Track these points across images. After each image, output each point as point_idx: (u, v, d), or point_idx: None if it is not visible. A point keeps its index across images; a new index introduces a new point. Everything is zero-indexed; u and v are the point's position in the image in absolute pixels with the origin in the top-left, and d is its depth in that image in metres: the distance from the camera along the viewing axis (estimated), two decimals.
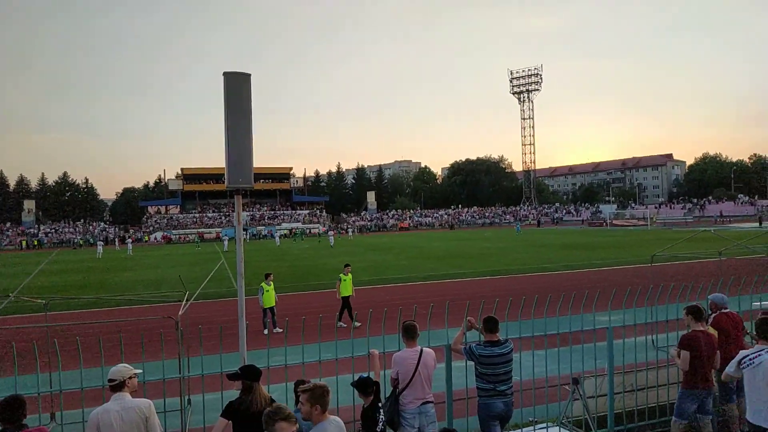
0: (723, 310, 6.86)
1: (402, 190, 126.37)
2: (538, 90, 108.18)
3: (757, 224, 56.85)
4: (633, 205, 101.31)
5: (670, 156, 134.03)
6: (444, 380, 6.23)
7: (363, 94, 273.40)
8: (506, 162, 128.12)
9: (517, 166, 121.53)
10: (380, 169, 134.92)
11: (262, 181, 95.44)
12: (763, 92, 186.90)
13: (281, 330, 13.76)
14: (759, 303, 9.24)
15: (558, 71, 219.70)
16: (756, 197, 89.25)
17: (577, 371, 7.04)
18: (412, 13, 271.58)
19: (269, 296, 14.21)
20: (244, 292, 5.94)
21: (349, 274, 14.95)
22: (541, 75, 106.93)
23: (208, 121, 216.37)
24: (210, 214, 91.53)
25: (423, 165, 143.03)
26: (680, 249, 21.26)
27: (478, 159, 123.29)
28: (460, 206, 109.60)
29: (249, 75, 5.69)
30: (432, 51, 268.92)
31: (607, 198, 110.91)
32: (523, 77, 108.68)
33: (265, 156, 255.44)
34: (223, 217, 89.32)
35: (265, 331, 13.53)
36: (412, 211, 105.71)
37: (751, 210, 78.85)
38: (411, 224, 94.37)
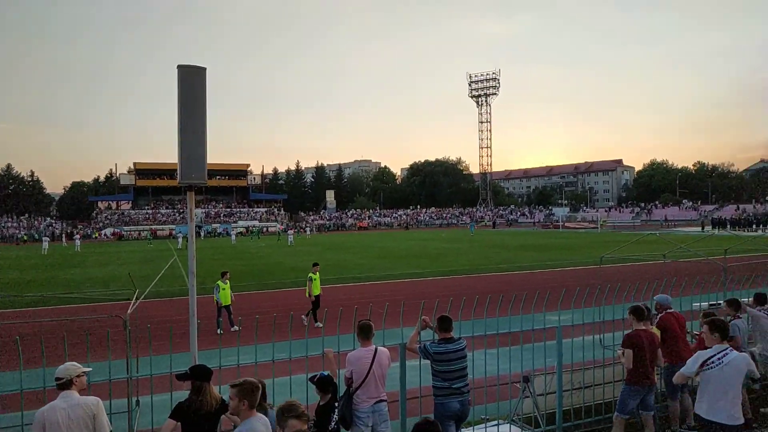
0: (668, 310, 7.17)
1: (361, 189, 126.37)
2: (495, 94, 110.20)
3: (699, 228, 59.53)
4: (584, 208, 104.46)
5: (620, 161, 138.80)
6: (398, 379, 6.27)
7: (324, 92, 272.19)
8: (464, 164, 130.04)
9: (475, 168, 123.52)
10: (340, 168, 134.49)
11: (218, 177, 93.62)
12: (706, 103, 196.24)
13: (239, 328, 13.56)
14: (699, 304, 9.67)
15: (515, 77, 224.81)
16: (699, 203, 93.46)
17: (527, 369, 7.23)
18: (374, 13, 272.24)
19: (225, 294, 13.99)
20: (196, 290, 5.82)
21: (318, 273, 14.92)
22: (498, 80, 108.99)
23: (162, 115, 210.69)
24: (163, 211, 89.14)
25: (383, 165, 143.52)
26: (627, 251, 22.09)
27: (437, 160, 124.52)
28: (418, 207, 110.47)
29: (204, 69, 5.58)
30: (394, 52, 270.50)
31: (560, 201, 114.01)
32: (481, 81, 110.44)
33: (222, 152, 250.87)
34: (177, 214, 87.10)
35: (219, 331, 13.28)
36: (371, 210, 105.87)
37: (694, 215, 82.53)
38: (370, 224, 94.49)
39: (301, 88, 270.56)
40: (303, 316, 14.17)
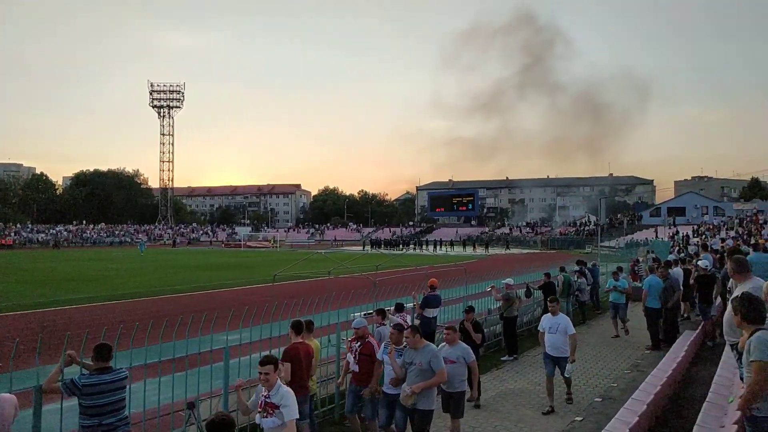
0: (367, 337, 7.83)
1: (7, 198, 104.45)
2: (179, 107, 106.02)
3: (361, 248, 68.27)
4: (266, 228, 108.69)
5: (298, 186, 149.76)
6: (30, 428, 5.26)
7: None
8: (143, 177, 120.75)
9: (155, 183, 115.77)
10: None
11: None
12: (370, 140, 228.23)
13: None
14: (355, 315, 10.92)
15: (202, 92, 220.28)
16: (361, 225, 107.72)
17: (193, 395, 6.95)
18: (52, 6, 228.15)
19: None
20: None
21: None
22: (183, 93, 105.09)
23: None
24: None
25: (38, 171, 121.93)
26: (299, 269, 23.74)
27: (110, 171, 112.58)
28: (84, 222, 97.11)
29: None
30: (62, 44, 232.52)
31: (243, 221, 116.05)
32: (164, 92, 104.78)
33: None
34: None
35: None
36: (19, 225, 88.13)
37: (358, 236, 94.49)
38: (18, 241, 78.40)
39: None
40: None
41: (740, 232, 35.33)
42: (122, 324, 7.75)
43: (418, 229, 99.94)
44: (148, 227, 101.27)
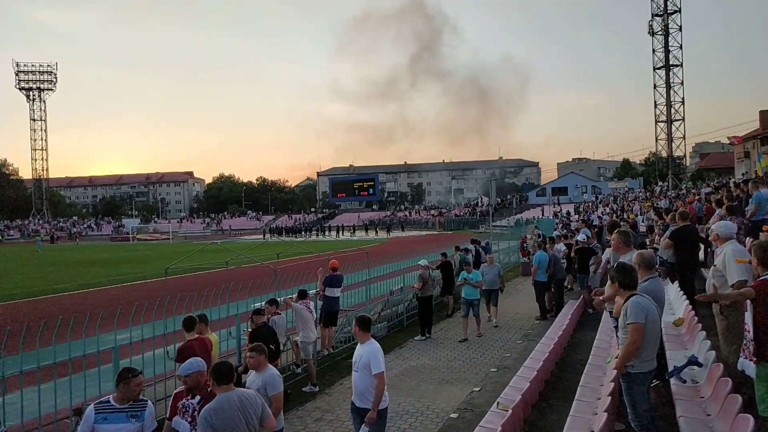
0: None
1: None
2: (51, 90, 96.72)
3: (262, 236, 66.64)
4: (156, 219, 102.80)
5: (191, 173, 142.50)
6: None
7: None
8: (11, 167, 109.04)
9: (26, 173, 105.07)
10: None
11: None
12: (266, 126, 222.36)
13: None
14: (257, 304, 10.64)
15: (79, 75, 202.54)
16: (261, 213, 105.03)
17: (79, 401, 6.47)
18: None
19: None
20: None
21: None
22: (55, 74, 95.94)
23: None
24: None
25: None
26: (194, 261, 22.71)
27: None
28: None
29: None
30: None
31: (130, 212, 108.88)
32: (33, 73, 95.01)
33: None
34: None
35: None
36: None
37: (258, 224, 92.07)
38: None
39: None
40: None
41: (614, 208, 38.87)
42: None
43: (320, 215, 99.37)
44: (20, 222, 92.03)
